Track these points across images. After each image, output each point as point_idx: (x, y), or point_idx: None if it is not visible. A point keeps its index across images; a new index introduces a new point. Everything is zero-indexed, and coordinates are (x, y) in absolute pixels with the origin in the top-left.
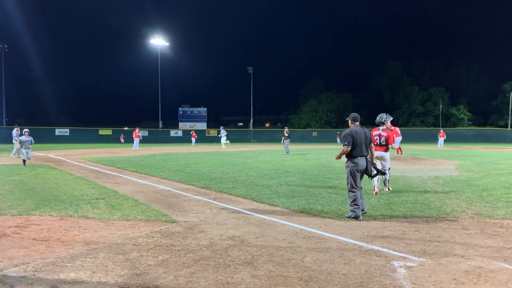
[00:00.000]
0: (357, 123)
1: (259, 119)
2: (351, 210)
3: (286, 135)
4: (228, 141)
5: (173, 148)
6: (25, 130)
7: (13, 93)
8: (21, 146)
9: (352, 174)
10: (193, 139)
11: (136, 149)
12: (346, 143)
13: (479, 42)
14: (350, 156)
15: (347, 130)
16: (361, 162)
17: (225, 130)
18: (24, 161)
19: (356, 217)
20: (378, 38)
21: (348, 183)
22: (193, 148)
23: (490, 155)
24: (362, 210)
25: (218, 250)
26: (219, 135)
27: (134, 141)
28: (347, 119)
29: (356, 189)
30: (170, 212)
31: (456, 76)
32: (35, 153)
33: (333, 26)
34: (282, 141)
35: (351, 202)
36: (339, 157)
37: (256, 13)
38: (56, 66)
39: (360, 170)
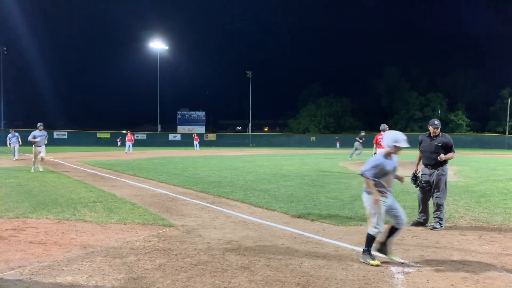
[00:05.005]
0: None
1: (257, 123)
2: (441, 222)
3: (360, 141)
4: (17, 145)
5: (172, 151)
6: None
7: (11, 95)
8: None
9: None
10: (196, 143)
11: (130, 153)
12: (454, 150)
13: (477, 48)
14: (445, 163)
15: (450, 137)
16: None
17: (17, 132)
18: None
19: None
20: (376, 43)
21: (444, 191)
22: (193, 152)
23: (488, 161)
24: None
25: (216, 254)
26: (6, 139)
27: (126, 144)
28: (438, 126)
29: None
30: (167, 216)
31: (454, 82)
32: (31, 155)
33: (332, 31)
34: (356, 148)
35: (442, 212)
36: (445, 159)
37: (255, 18)
38: (55, 69)
39: None
